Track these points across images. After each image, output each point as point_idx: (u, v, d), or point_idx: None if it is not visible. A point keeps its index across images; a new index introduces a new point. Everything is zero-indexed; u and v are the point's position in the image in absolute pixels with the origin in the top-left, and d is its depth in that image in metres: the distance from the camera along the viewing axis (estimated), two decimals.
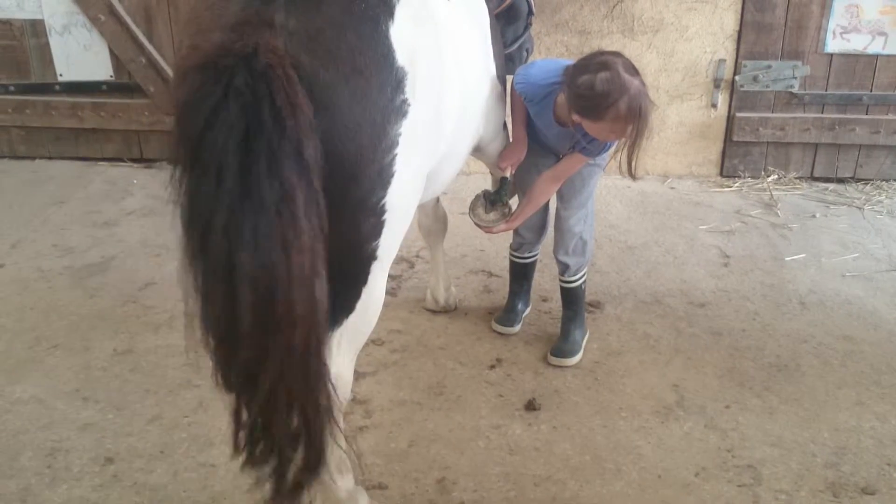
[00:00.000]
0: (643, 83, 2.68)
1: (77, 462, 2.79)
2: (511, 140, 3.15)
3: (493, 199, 3.07)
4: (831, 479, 2.70)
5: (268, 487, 1.97)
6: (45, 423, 2.97)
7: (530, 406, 3.04)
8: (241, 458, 1.92)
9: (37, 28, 5.18)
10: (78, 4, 5.06)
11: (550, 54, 4.97)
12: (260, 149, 1.67)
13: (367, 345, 3.39)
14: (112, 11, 5.06)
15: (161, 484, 2.69)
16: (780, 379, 3.21)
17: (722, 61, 4.94)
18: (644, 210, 4.84)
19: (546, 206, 3.36)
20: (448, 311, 3.69)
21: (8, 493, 2.64)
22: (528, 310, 3.66)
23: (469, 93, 2.59)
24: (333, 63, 1.89)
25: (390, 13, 2.02)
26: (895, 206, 4.86)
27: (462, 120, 2.55)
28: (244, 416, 1.88)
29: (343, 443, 2.31)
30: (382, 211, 2.08)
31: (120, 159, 5.50)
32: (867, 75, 4.96)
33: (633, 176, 2.85)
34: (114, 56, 5.23)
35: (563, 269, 3.33)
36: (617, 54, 2.70)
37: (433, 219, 3.53)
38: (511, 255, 3.54)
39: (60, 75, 5.30)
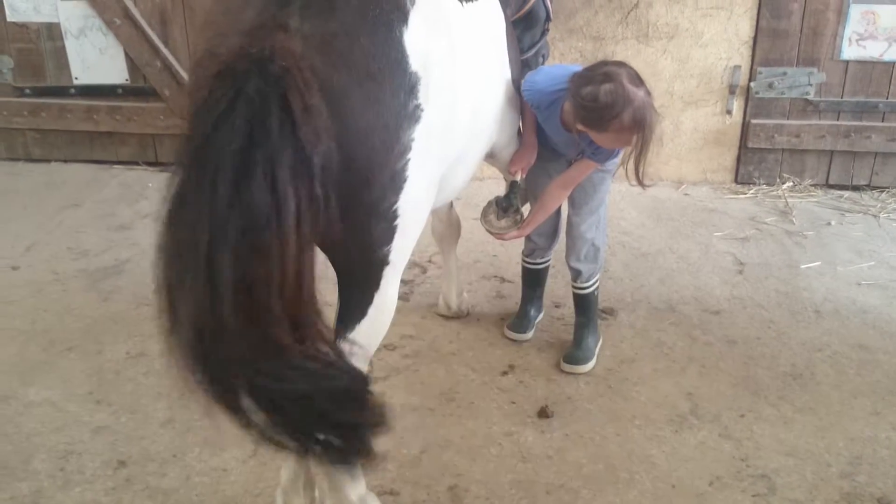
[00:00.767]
0: (649, 93, 2.67)
1: (90, 465, 2.79)
2: (522, 145, 3.14)
3: (504, 206, 3.06)
4: (846, 489, 2.68)
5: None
6: (58, 425, 2.98)
7: (543, 413, 3.03)
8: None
9: (53, 31, 5.22)
10: (94, 8, 5.09)
11: (564, 60, 4.97)
12: (259, 158, 1.66)
13: (379, 350, 3.38)
14: (128, 15, 5.09)
15: (173, 488, 2.69)
16: (794, 388, 3.18)
17: (737, 68, 4.92)
18: (658, 216, 4.82)
19: (558, 212, 3.35)
20: (460, 316, 3.68)
21: (20, 495, 2.65)
22: (541, 316, 3.65)
23: (483, 98, 2.59)
24: (347, 68, 1.89)
25: (404, 18, 2.02)
26: None
27: (475, 125, 2.55)
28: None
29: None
30: (395, 216, 2.08)
31: (135, 163, 5.53)
32: (883, 83, 4.93)
33: (641, 184, 2.82)
34: (129, 60, 5.26)
35: (576, 275, 3.32)
36: (621, 64, 2.69)
37: (446, 224, 3.53)
38: (523, 260, 3.53)
39: (76, 79, 5.33)
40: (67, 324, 3.64)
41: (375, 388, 3.09)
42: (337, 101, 1.86)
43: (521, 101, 3.06)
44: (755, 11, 4.80)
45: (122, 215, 4.77)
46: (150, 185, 5.22)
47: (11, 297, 3.88)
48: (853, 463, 2.79)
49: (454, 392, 3.17)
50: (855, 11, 4.78)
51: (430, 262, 4.19)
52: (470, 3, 2.59)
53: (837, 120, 5.02)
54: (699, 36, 4.90)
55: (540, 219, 3.11)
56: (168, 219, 1.73)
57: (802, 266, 4.16)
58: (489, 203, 3.12)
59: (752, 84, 4.94)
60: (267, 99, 1.69)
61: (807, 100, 4.97)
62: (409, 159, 2.03)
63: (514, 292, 3.80)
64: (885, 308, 3.77)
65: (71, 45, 5.23)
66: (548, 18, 3.59)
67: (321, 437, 1.95)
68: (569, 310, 3.59)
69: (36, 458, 2.82)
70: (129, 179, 5.34)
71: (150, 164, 5.53)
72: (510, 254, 4.18)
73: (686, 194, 5.15)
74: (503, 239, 3.13)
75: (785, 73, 4.92)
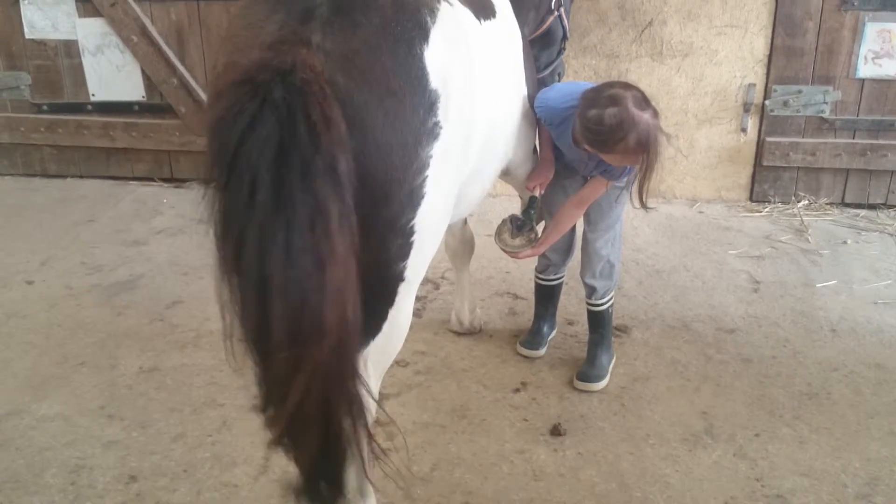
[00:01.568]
0: (656, 114, 2.68)
1: (101, 480, 2.79)
2: (539, 161, 3.13)
3: (519, 224, 3.05)
4: None
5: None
6: (70, 440, 2.98)
7: (555, 431, 3.00)
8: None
9: (70, 49, 5.28)
10: (111, 26, 5.14)
11: (578, 77, 4.96)
12: (294, 162, 1.67)
13: (391, 366, 3.39)
14: (145, 33, 5.14)
15: (184, 503, 2.68)
16: (810, 407, 3.15)
17: (752, 86, 4.91)
18: (672, 234, 4.80)
19: (573, 228, 3.34)
20: (473, 333, 3.67)
21: None
22: (554, 333, 3.64)
23: (499, 116, 2.59)
24: (367, 84, 1.90)
25: (425, 36, 2.02)
26: None
27: (492, 142, 2.55)
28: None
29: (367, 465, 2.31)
30: (411, 232, 2.07)
31: (150, 179, 5.56)
32: None
33: (644, 206, 2.85)
34: (146, 77, 5.30)
35: (590, 292, 3.31)
36: (627, 86, 2.69)
37: (460, 240, 3.52)
38: (536, 276, 3.52)
39: (93, 95, 5.39)
40: (80, 338, 3.65)
41: (386, 405, 3.12)
42: (358, 117, 1.86)
43: (537, 118, 3.07)
44: (770, 29, 4.79)
45: (137, 231, 4.79)
46: (164, 201, 5.25)
47: (26, 311, 3.89)
48: (870, 484, 2.75)
49: (466, 409, 3.15)
50: (871, 30, 4.76)
51: (442, 278, 4.18)
52: (488, 22, 2.60)
53: (853, 138, 4.99)
54: (714, 54, 4.89)
55: (554, 238, 3.09)
56: (219, 236, 1.74)
57: (818, 285, 4.12)
58: (504, 221, 3.10)
59: (767, 102, 4.92)
60: (292, 108, 1.69)
61: (822, 118, 4.95)
62: (426, 176, 2.03)
63: (528, 309, 3.78)
64: None
65: (88, 62, 5.28)
66: (564, 37, 3.61)
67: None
68: (582, 327, 3.58)
69: (48, 473, 2.82)
70: (144, 196, 5.37)
71: (165, 180, 5.56)
72: (523, 270, 4.16)
73: (701, 212, 5.13)
74: (518, 258, 3.12)
75: (800, 91, 4.90)
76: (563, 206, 3.07)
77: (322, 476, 2.02)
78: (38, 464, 2.85)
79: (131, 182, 5.57)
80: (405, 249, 2.09)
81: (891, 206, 5.09)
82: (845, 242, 4.64)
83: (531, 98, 2.99)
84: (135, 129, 5.38)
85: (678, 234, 4.80)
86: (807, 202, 5.09)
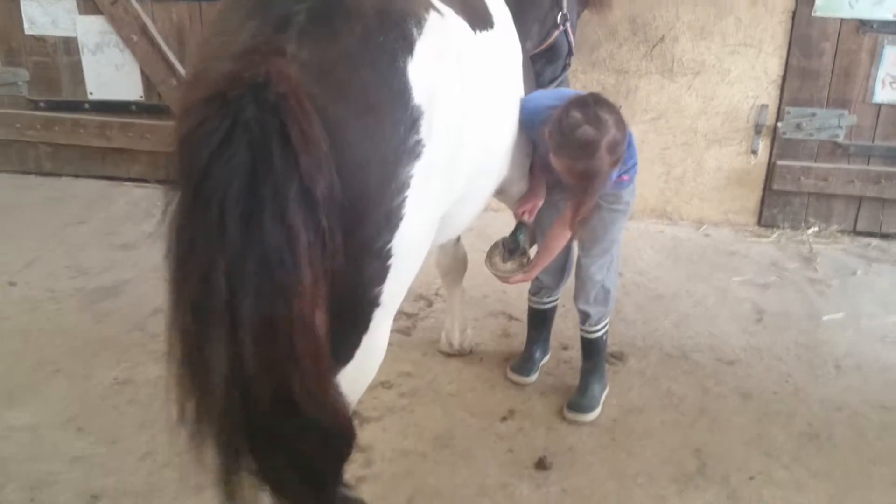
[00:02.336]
0: (615, 163, 2.57)
1: (61, 498, 2.68)
2: (529, 186, 2.99)
3: (511, 248, 2.91)
4: None
5: None
6: (35, 452, 2.88)
7: (541, 465, 2.87)
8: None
9: (70, 46, 5.18)
10: (112, 24, 5.04)
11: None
12: (266, 193, 1.55)
13: (374, 387, 3.26)
14: (145, 32, 5.04)
15: None
16: (810, 450, 2.99)
17: (764, 107, 4.76)
18: (676, 257, 4.65)
19: (568, 250, 3.20)
20: (463, 354, 3.53)
21: None
22: (547, 358, 3.50)
23: (493, 134, 2.46)
24: (344, 98, 1.77)
25: (409, 48, 1.90)
26: None
27: (484, 162, 2.42)
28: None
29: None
30: (388, 255, 1.94)
31: (145, 180, 5.45)
32: None
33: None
34: (145, 77, 5.20)
35: (584, 318, 3.17)
36: (620, 122, 2.53)
37: (452, 258, 3.39)
38: (529, 299, 3.39)
39: (91, 94, 5.29)
40: (58, 345, 3.54)
41: (367, 429, 2.99)
42: (333, 132, 1.73)
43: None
44: (785, 50, 4.64)
45: (127, 234, 4.68)
46: (158, 203, 5.11)
47: (6, 313, 3.80)
48: None
49: (450, 437, 3.02)
50: (889, 53, 4.60)
51: (436, 294, 4.05)
52: (484, 33, 2.47)
53: (867, 165, 4.82)
54: (726, 73, 4.74)
55: (546, 261, 2.95)
56: (176, 267, 1.62)
57: (824, 317, 3.96)
58: (495, 244, 2.97)
59: (779, 124, 4.77)
60: (266, 128, 1.57)
61: (836, 143, 4.79)
62: (406, 196, 1.90)
63: (522, 331, 3.63)
64: None
65: (87, 61, 5.18)
66: (570, 53, 3.49)
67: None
68: (577, 352, 3.42)
69: (7, 487, 2.71)
70: (138, 197, 5.25)
71: (160, 181, 5.45)
72: (520, 290, 3.98)
73: (706, 235, 4.98)
74: (509, 282, 2.98)
75: (814, 115, 4.75)
76: (551, 228, 2.92)
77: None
78: None
79: (126, 183, 5.45)
80: (382, 273, 1.96)
81: None
82: (855, 273, 4.48)
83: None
84: (132, 129, 5.27)
85: (682, 257, 4.65)
86: (816, 229, 4.93)
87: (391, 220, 1.90)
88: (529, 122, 2.73)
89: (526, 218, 2.96)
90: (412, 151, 1.88)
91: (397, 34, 1.88)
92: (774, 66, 4.69)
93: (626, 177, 2.93)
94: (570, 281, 3.29)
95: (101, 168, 5.47)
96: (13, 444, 2.90)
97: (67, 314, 3.80)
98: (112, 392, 3.21)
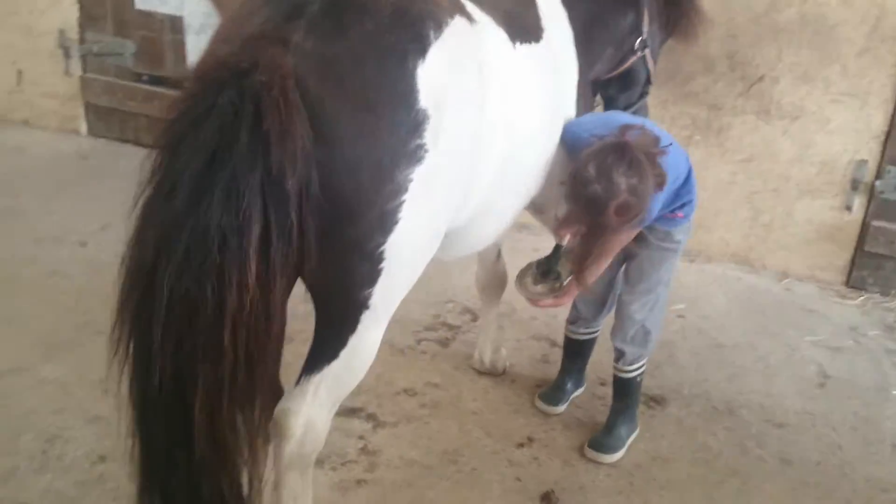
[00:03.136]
0: (627, 223, 2.44)
1: (71, 454, 2.75)
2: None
3: (544, 271, 2.80)
4: None
5: None
6: (59, 407, 2.96)
7: (546, 498, 2.76)
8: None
9: (175, 24, 5.36)
10: (216, 8, 5.19)
11: (675, 125, 4.67)
12: (221, 177, 1.57)
13: (397, 393, 3.24)
14: None
15: None
16: None
17: (863, 162, 4.47)
18: (748, 307, 4.42)
19: (610, 283, 3.07)
20: (495, 374, 3.44)
21: None
22: (580, 391, 3.36)
23: (523, 150, 2.37)
24: (343, 93, 1.75)
25: (422, 51, 1.86)
26: None
27: (510, 178, 2.34)
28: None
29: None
30: (380, 259, 1.90)
31: None
32: None
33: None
34: None
35: (619, 356, 3.03)
36: (638, 180, 2.37)
37: (491, 274, 3.31)
38: (566, 328, 3.26)
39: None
40: (108, 309, 3.62)
41: (379, 433, 2.95)
42: (327, 127, 1.73)
43: None
44: (892, 104, 4.34)
45: None
46: None
47: (69, 271, 3.94)
48: None
49: (459, 454, 2.94)
50: None
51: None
52: (526, 47, 2.40)
53: None
54: (826, 122, 4.48)
55: (577, 290, 2.82)
56: (133, 231, 1.69)
57: (894, 391, 3.68)
58: (529, 265, 2.86)
59: (877, 182, 4.46)
60: (238, 115, 1.59)
61: None
62: (403, 201, 1.85)
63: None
64: None
65: (191, 40, 5.36)
66: (648, 81, 3.37)
67: None
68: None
69: (24, 437, 2.80)
70: None
71: None
72: None
73: (787, 289, 4.71)
74: (538, 305, 2.85)
75: None
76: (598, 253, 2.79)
77: None
78: (20, 426, 2.84)
79: None
80: (372, 276, 1.92)
81: None
82: None
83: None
84: None
85: (755, 308, 4.42)
86: None
87: (385, 222, 1.86)
88: (572, 146, 2.62)
89: (566, 241, 2.85)
90: (412, 155, 1.83)
91: (411, 35, 1.84)
92: (879, 121, 4.39)
93: (680, 213, 2.79)
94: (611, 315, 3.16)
95: None
96: (40, 397, 3.00)
97: None
98: None
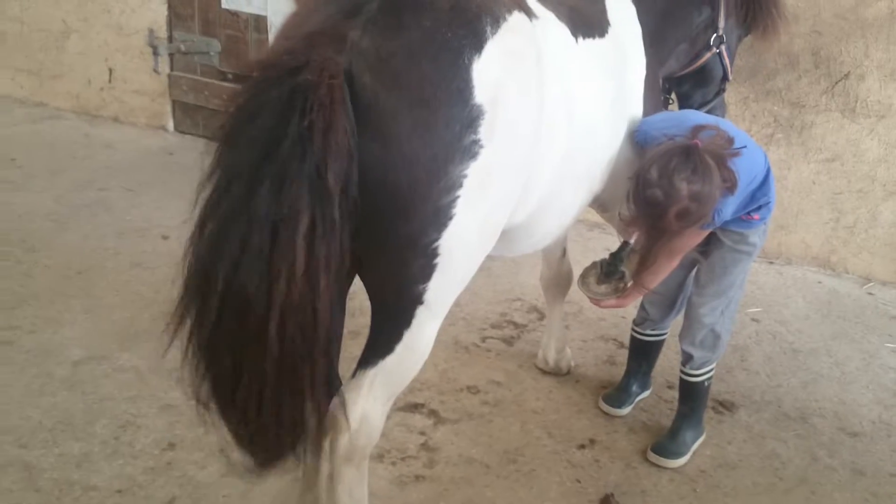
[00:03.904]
0: (690, 222, 2.39)
1: (142, 440, 2.84)
2: None
3: (608, 271, 2.76)
4: None
5: None
6: (133, 395, 3.06)
7: (605, 502, 2.73)
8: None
9: (259, 24, 5.47)
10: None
11: (755, 123, 4.55)
12: (272, 170, 1.62)
13: (460, 390, 3.25)
14: None
15: (206, 482, 2.67)
16: None
17: None
18: (827, 312, 4.28)
19: (681, 284, 3.02)
20: (559, 374, 3.42)
21: (70, 453, 2.74)
22: (646, 394, 3.32)
23: (585, 146, 2.35)
24: (398, 89, 1.77)
25: (478, 46, 1.86)
26: None
27: (571, 174, 2.33)
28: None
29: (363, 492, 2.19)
30: (434, 254, 1.91)
31: None
32: None
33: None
34: None
35: (686, 359, 2.97)
36: (701, 185, 2.31)
37: (556, 273, 3.28)
38: (632, 329, 3.22)
39: None
40: None
41: (440, 430, 2.97)
42: (381, 122, 1.75)
43: None
44: None
45: None
46: None
47: (151, 262, 4.07)
48: None
49: (519, 454, 2.93)
50: None
51: None
52: (590, 41, 2.38)
53: None
54: None
55: (640, 291, 2.77)
56: (195, 224, 1.74)
57: None
58: (593, 264, 2.83)
59: None
60: (286, 111, 1.64)
61: None
62: (457, 196, 1.86)
63: None
64: None
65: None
66: (725, 78, 3.29)
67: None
68: None
69: (99, 422, 2.90)
70: None
71: None
72: None
73: (870, 293, 4.55)
74: (600, 306, 2.82)
75: None
76: (658, 256, 2.75)
77: None
78: (94, 411, 2.95)
79: None
80: (427, 271, 1.93)
81: None
82: None
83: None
84: None
85: (834, 313, 4.28)
86: None
87: (439, 218, 1.86)
88: (643, 144, 2.58)
89: (632, 239, 2.81)
90: (467, 151, 1.84)
91: (467, 31, 1.85)
92: None
93: (756, 216, 2.71)
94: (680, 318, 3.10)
95: None
96: (116, 384, 3.11)
97: None
98: None
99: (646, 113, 2.71)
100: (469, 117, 1.83)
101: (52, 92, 6.27)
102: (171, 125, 6.06)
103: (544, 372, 3.43)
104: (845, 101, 4.42)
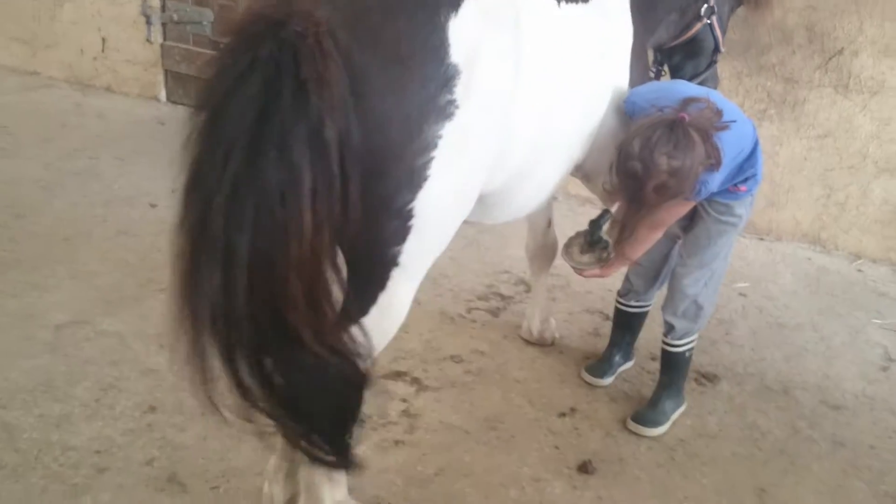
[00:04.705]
0: (667, 200, 2.39)
1: (122, 403, 2.84)
2: None
3: (592, 241, 2.76)
4: None
5: None
6: (115, 359, 3.06)
7: (583, 468, 2.74)
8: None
9: None
10: None
11: (748, 98, 4.52)
12: (272, 131, 1.58)
13: (444, 359, 3.26)
14: None
15: (184, 444, 2.67)
16: None
17: None
18: (816, 288, 4.28)
19: (666, 256, 3.01)
20: (543, 344, 3.42)
21: (50, 414, 2.74)
22: (629, 365, 3.32)
23: (566, 114, 2.34)
24: (373, 46, 1.75)
25: (455, 5, 1.84)
26: None
27: (551, 142, 2.31)
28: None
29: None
30: (409, 216, 1.90)
31: None
32: None
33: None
34: None
35: (668, 329, 2.97)
36: (681, 161, 2.30)
37: (541, 244, 3.28)
38: (616, 300, 3.22)
39: None
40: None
41: (421, 396, 2.98)
42: (357, 79, 1.73)
43: None
44: None
45: None
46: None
47: (138, 231, 4.06)
48: None
49: (499, 421, 2.94)
50: None
51: None
52: (572, 6, 2.35)
53: None
54: None
55: (624, 262, 2.76)
56: (184, 194, 1.68)
57: None
58: (577, 234, 2.81)
59: None
60: (280, 66, 1.60)
61: None
62: (432, 157, 1.85)
63: None
64: None
65: None
66: (716, 49, 3.27)
67: (306, 428, 1.91)
68: None
69: (80, 385, 2.90)
70: None
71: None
72: None
73: (859, 270, 4.54)
74: (583, 276, 2.81)
75: None
76: (637, 228, 2.74)
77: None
78: (76, 374, 2.95)
79: None
80: (401, 233, 1.93)
81: None
82: None
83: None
84: None
85: (823, 289, 4.28)
86: None
87: (414, 179, 1.85)
88: (631, 114, 2.56)
89: (614, 207, 2.80)
90: (442, 111, 1.82)
91: None
92: None
93: (743, 187, 2.70)
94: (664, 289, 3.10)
95: None
96: (99, 348, 3.10)
97: None
98: None
99: (632, 82, 2.69)
100: (444, 76, 1.82)
101: (45, 61, 6.25)
102: (163, 95, 6.03)
103: (528, 343, 3.43)
104: (839, 76, 4.40)
